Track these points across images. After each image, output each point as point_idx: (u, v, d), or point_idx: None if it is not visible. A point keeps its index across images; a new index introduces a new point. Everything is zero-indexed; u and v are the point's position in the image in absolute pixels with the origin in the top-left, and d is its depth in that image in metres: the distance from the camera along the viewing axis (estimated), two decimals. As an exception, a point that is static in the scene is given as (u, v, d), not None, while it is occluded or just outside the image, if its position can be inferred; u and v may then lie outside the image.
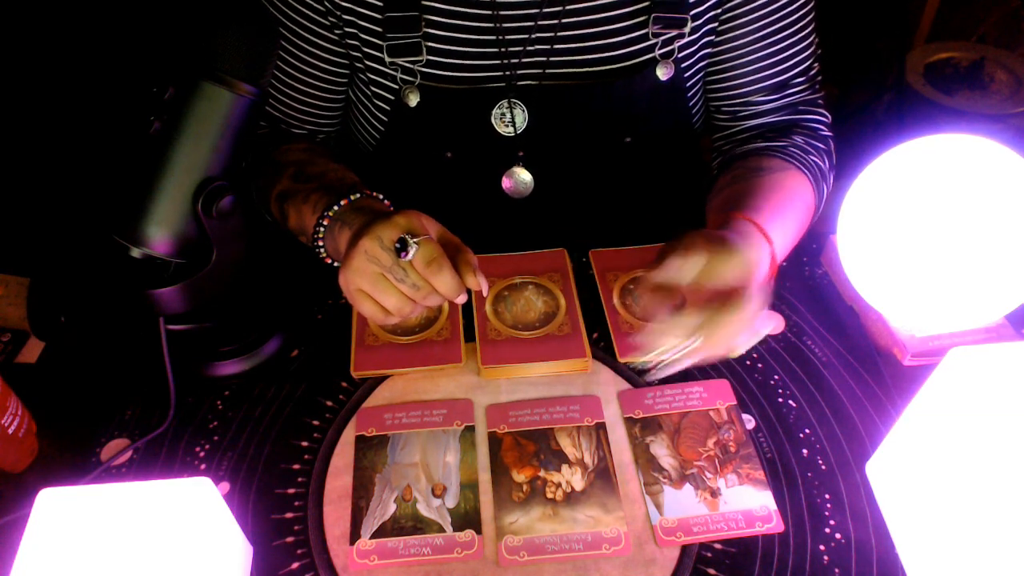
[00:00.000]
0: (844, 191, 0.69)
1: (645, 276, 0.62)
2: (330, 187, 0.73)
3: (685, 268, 0.59)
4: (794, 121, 0.83)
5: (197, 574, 0.48)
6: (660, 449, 0.66)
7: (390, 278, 0.61)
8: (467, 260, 0.63)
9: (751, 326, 0.60)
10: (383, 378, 0.73)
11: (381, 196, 0.71)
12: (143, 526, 0.47)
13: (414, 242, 0.60)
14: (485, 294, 0.68)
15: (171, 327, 0.68)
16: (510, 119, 0.79)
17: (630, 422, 0.68)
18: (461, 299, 0.63)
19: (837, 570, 0.58)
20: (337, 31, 0.78)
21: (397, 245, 0.60)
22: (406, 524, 0.61)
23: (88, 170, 1.11)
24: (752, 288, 0.59)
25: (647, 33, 0.76)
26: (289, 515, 0.63)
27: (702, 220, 0.80)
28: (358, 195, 0.69)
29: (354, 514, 0.62)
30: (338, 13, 0.76)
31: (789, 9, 0.77)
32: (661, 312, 0.61)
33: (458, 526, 0.61)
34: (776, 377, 0.72)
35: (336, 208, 0.69)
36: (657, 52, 0.77)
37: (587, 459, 0.66)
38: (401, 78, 0.78)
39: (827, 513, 0.62)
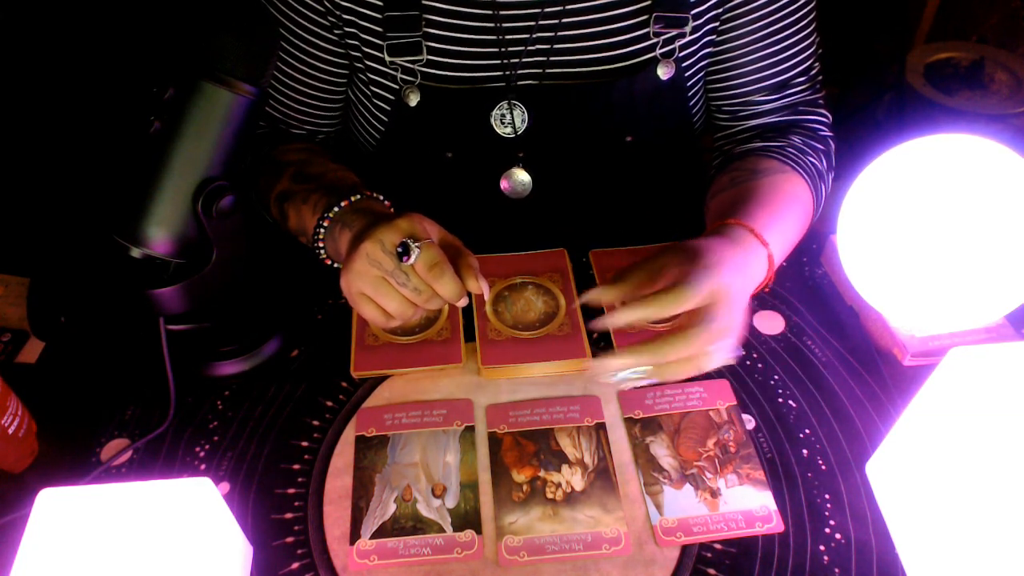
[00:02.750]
0: (844, 191, 0.69)
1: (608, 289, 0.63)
2: (330, 187, 0.73)
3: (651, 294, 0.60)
4: (794, 121, 0.83)
5: (197, 574, 0.48)
6: (660, 449, 0.66)
7: (392, 282, 0.61)
8: (468, 263, 0.63)
9: (710, 350, 0.59)
10: (383, 378, 0.73)
11: (382, 197, 0.71)
12: (143, 526, 0.47)
13: (416, 246, 0.60)
14: (487, 298, 0.69)
15: (171, 327, 0.68)
16: (509, 120, 0.79)
17: (630, 422, 0.68)
18: (462, 303, 0.63)
19: (837, 570, 0.58)
20: (337, 31, 0.78)
21: (399, 249, 0.60)
22: (406, 524, 0.61)
23: (88, 170, 1.11)
24: (715, 314, 0.59)
25: (648, 33, 0.76)
26: (289, 515, 0.63)
27: (701, 220, 0.80)
28: (358, 196, 0.69)
29: (354, 514, 0.62)
30: (338, 13, 0.76)
31: (790, 9, 0.77)
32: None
33: (458, 526, 0.61)
34: (776, 377, 0.72)
35: (336, 209, 0.69)
36: (658, 52, 0.77)
37: (587, 459, 0.66)
38: (401, 78, 0.78)
39: (827, 513, 0.62)
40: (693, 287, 0.58)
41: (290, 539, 0.61)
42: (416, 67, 0.77)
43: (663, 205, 0.95)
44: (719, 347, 0.59)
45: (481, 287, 0.63)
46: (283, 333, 0.76)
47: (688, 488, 0.63)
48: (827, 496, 0.63)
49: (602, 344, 0.75)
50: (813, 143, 0.81)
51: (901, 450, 0.58)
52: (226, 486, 0.65)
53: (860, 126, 1.87)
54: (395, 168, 0.87)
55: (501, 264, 0.82)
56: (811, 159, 0.79)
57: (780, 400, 0.70)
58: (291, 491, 0.64)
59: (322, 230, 0.70)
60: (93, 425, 0.69)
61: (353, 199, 0.69)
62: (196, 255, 0.64)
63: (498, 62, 0.77)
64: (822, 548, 0.60)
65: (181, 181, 0.60)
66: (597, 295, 0.64)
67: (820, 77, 0.83)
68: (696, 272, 0.59)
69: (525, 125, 0.79)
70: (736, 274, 0.61)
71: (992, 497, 0.47)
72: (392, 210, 0.70)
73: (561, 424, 0.68)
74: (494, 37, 0.76)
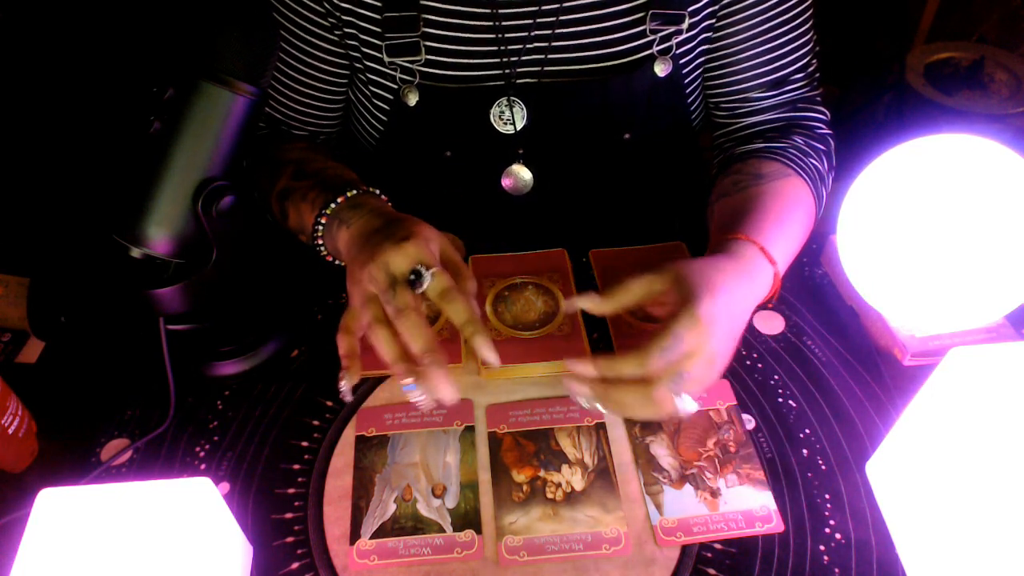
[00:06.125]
0: (844, 191, 0.69)
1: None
2: (328, 184, 0.73)
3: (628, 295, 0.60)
4: (794, 119, 0.83)
5: (197, 574, 0.48)
6: (660, 449, 0.66)
7: (387, 308, 0.59)
8: (467, 288, 0.62)
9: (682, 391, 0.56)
10: (383, 378, 0.73)
11: (378, 191, 0.71)
12: (143, 526, 0.47)
13: (428, 273, 0.58)
14: (496, 365, 0.61)
15: (171, 327, 0.68)
16: (509, 117, 0.79)
17: (630, 422, 0.68)
18: (450, 396, 0.58)
19: (837, 570, 0.58)
20: (337, 32, 0.78)
21: (411, 277, 0.59)
22: (406, 524, 0.61)
23: (88, 170, 1.11)
24: (684, 336, 0.55)
25: (645, 30, 0.76)
26: (289, 515, 0.63)
27: (702, 218, 0.80)
28: (354, 192, 0.69)
29: (354, 514, 0.62)
30: (337, 14, 0.76)
31: (787, 5, 0.77)
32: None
33: (458, 526, 0.61)
34: (776, 377, 0.72)
35: (333, 206, 0.69)
36: (655, 48, 0.77)
37: (587, 459, 0.66)
38: (400, 77, 0.78)
39: (827, 513, 0.62)
40: (674, 338, 0.55)
41: (290, 539, 0.61)
42: (415, 67, 0.77)
43: (663, 203, 0.95)
44: (685, 383, 0.55)
45: (494, 358, 0.59)
46: (283, 333, 0.76)
47: (688, 488, 0.63)
48: (827, 496, 0.63)
49: (601, 345, 0.75)
50: (815, 143, 0.81)
51: (901, 450, 0.58)
52: (226, 486, 0.65)
53: (860, 126, 1.87)
54: (396, 167, 0.87)
55: (501, 264, 0.82)
56: (813, 161, 0.79)
57: (780, 400, 0.70)
58: (291, 491, 0.64)
59: (320, 227, 0.70)
60: (93, 425, 0.69)
61: (349, 194, 0.69)
62: (196, 255, 0.64)
63: (497, 60, 0.77)
64: (822, 548, 0.60)
65: (181, 181, 0.60)
66: (593, 306, 0.62)
67: (818, 74, 0.83)
68: (684, 319, 0.55)
69: (524, 122, 0.79)
70: (733, 305, 0.59)
71: (992, 497, 0.47)
72: (389, 204, 0.70)
73: (561, 424, 0.68)
74: (492, 36, 0.76)
